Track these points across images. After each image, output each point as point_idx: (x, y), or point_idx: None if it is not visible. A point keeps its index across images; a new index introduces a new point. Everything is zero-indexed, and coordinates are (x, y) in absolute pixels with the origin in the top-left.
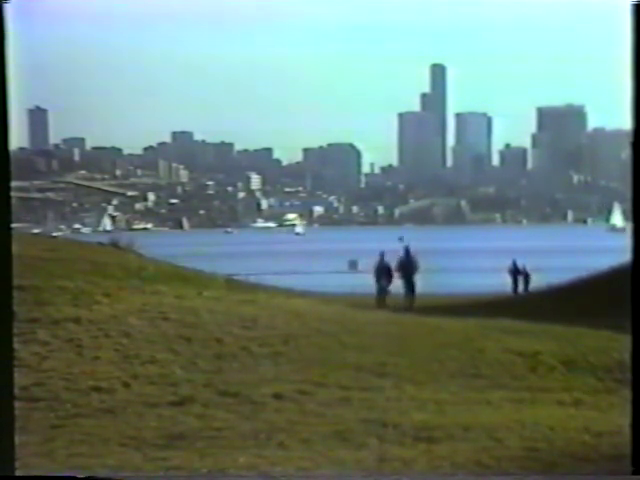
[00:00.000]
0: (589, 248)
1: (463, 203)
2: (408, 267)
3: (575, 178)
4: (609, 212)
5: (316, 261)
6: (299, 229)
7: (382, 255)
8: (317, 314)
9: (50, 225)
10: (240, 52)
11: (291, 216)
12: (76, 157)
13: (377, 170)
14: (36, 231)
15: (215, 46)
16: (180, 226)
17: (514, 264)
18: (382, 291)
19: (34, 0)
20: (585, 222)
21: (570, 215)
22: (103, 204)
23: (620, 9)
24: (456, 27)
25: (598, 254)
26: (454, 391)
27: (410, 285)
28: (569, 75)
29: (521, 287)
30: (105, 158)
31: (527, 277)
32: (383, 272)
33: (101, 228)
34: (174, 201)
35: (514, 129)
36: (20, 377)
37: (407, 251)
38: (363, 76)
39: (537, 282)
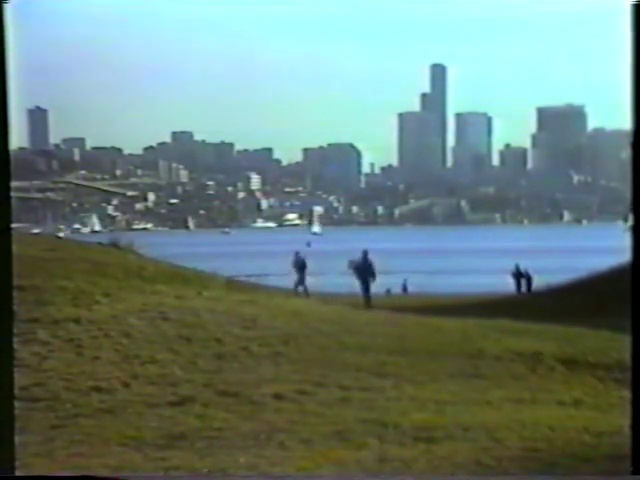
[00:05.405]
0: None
1: (463, 203)
2: (364, 269)
3: (575, 178)
4: (627, 212)
5: (318, 261)
6: (316, 228)
7: (297, 253)
8: (317, 314)
9: (50, 225)
10: (240, 52)
11: (291, 216)
12: (76, 157)
13: (377, 170)
14: (36, 231)
15: (215, 46)
16: (185, 226)
17: (517, 268)
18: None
19: (34, 0)
20: (580, 222)
21: (569, 215)
22: (103, 204)
23: (620, 9)
24: (456, 27)
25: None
26: (454, 391)
27: (366, 286)
28: (569, 75)
29: (524, 290)
30: (105, 158)
31: (529, 280)
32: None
33: (89, 228)
34: (174, 201)
35: (514, 129)
36: (20, 377)
37: (365, 254)
38: (363, 76)
39: (544, 284)
